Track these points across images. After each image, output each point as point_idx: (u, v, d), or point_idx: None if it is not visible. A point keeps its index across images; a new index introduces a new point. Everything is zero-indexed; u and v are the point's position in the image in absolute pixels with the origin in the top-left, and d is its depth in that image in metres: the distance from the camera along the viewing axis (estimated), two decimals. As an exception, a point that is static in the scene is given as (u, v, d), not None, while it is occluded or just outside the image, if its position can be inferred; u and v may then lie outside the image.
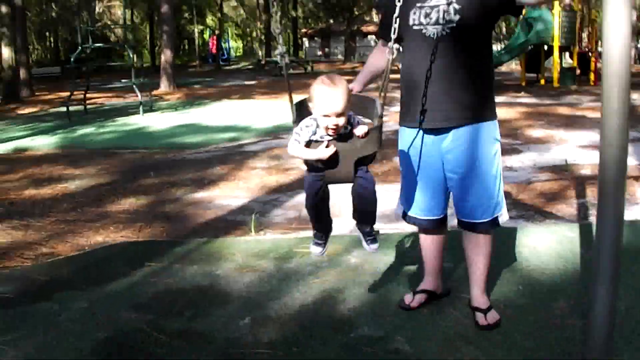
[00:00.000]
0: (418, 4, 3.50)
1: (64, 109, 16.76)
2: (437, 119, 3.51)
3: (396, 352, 3.40)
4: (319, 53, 60.06)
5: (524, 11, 22.97)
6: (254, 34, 63.21)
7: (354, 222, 3.59)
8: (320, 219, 3.56)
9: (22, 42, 25.41)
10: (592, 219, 5.75)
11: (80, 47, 17.38)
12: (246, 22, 69.85)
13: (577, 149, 9.52)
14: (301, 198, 7.01)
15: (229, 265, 4.83)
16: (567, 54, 26.03)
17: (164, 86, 26.06)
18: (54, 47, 55.40)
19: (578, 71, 24.10)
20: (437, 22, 3.44)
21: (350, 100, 3.18)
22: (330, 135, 3.17)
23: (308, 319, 3.86)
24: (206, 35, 62.02)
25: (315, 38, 63.18)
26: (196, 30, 55.43)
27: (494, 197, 3.64)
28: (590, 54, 24.65)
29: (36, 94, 25.65)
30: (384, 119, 3.39)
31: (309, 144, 3.21)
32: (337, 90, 3.13)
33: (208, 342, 3.60)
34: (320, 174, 3.27)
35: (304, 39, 65.13)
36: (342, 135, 3.21)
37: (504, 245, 4.88)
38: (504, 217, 3.71)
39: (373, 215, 3.52)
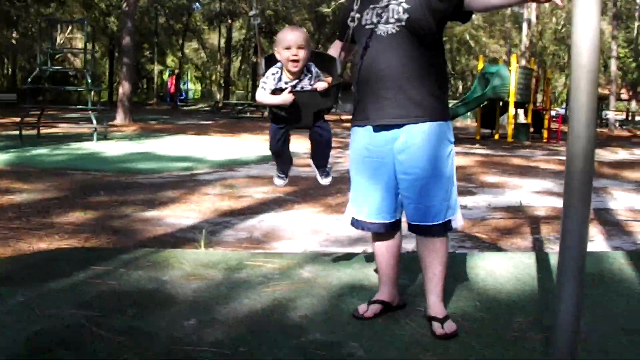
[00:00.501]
0: (371, 5, 3.60)
1: (16, 132, 16.41)
2: (390, 115, 3.51)
3: (350, 355, 3.24)
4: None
5: (480, 65, 23.50)
6: (213, 77, 63.24)
7: (311, 161, 4.03)
8: (283, 158, 4.02)
9: (-22, 65, 25.04)
10: (549, 251, 5.71)
11: (38, 68, 17.12)
12: (206, 65, 69.93)
13: (531, 193, 9.56)
14: (254, 221, 6.90)
15: (176, 273, 4.63)
16: (522, 111, 26.52)
17: (119, 118, 25.81)
18: (11, 74, 54.81)
19: (532, 129, 24.53)
20: (387, 21, 3.52)
21: (310, 44, 3.55)
22: (295, 76, 3.54)
23: (257, 323, 3.68)
24: (165, 76, 61.95)
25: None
26: (156, 69, 55.28)
27: (448, 198, 3.59)
28: (544, 112, 25.12)
29: (-11, 117, 25.20)
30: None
31: (274, 92, 3.54)
32: (297, 28, 3.63)
33: (151, 339, 3.40)
34: (283, 124, 3.69)
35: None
36: (304, 90, 3.57)
37: (459, 267, 4.79)
38: (458, 221, 3.66)
39: (327, 156, 4.01)
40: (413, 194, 3.56)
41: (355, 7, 3.52)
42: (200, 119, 32.38)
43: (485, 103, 23.27)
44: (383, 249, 3.84)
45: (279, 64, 3.61)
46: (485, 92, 22.07)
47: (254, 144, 16.89)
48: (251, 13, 3.81)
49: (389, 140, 3.55)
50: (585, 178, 2.65)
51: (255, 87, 57.16)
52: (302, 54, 3.47)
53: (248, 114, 37.48)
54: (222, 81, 55.15)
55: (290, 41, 3.46)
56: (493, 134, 24.29)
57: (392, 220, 3.73)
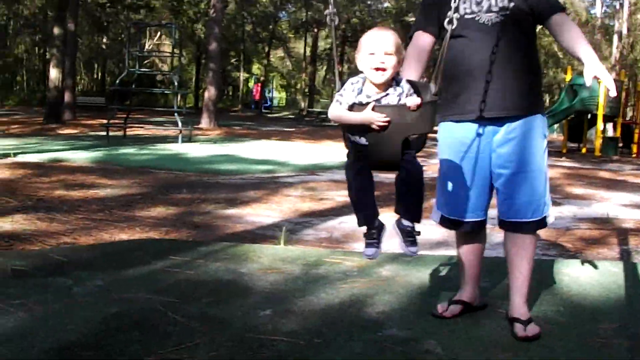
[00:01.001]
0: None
1: (103, 132, 16.86)
2: (494, 108, 3.38)
3: (427, 352, 3.15)
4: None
5: (568, 76, 22.88)
6: (298, 86, 63.59)
7: (395, 218, 3.20)
8: (363, 206, 3.14)
9: (71, 66, 25.81)
10: (637, 261, 5.50)
11: (126, 70, 17.50)
12: (291, 73, 70.40)
13: (619, 206, 9.22)
14: (334, 222, 6.84)
15: (254, 266, 4.62)
16: (611, 125, 25.83)
17: (204, 123, 26.15)
18: (100, 78, 56.23)
19: (621, 143, 23.84)
20: (489, 10, 3.40)
21: (402, 51, 2.97)
22: (381, 88, 2.95)
23: (333, 316, 3.63)
24: (251, 83, 62.64)
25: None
26: (241, 76, 55.93)
27: (544, 194, 3.49)
28: (634, 125, 24.39)
29: (78, 118, 25.90)
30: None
31: (352, 107, 2.94)
32: (386, 31, 3.01)
33: (225, 327, 3.38)
34: (362, 148, 2.99)
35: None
36: (391, 105, 2.94)
37: (543, 273, 4.62)
38: (551, 217, 3.55)
39: (418, 209, 3.14)
40: (509, 190, 3.46)
41: (454, 5, 3.03)
42: (284, 125, 32.55)
43: (572, 116, 22.73)
44: (468, 248, 3.73)
45: (362, 74, 3.02)
46: (573, 104, 21.56)
47: (337, 150, 16.83)
48: (327, 12, 3.03)
49: (489, 134, 3.45)
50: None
51: (339, 96, 57.67)
52: (390, 61, 2.90)
53: (332, 122, 37.50)
54: (306, 90, 55.42)
55: (375, 45, 2.92)
56: (580, 148, 23.70)
57: (484, 218, 3.63)
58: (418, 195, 3.12)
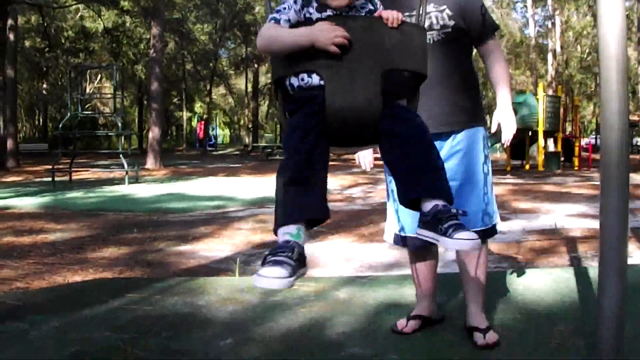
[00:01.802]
0: (407, 13, 3.44)
1: (49, 178, 16.66)
2: (438, 123, 3.44)
3: (389, 367, 3.19)
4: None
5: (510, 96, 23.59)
6: (242, 122, 63.61)
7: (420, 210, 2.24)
8: (299, 197, 2.11)
9: (12, 114, 25.52)
10: (587, 266, 5.62)
11: (69, 114, 17.36)
12: (234, 109, 70.44)
13: (565, 217, 9.42)
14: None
15: (212, 298, 4.60)
16: (552, 140, 26.37)
17: (150, 163, 26.00)
18: (42, 124, 55.61)
19: (562, 157, 24.37)
20: (431, 28, 3.47)
21: None
22: (340, 5, 2.11)
23: (294, 340, 3.64)
24: (194, 122, 62.52)
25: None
26: (184, 115, 55.79)
27: (490, 203, 3.59)
28: (574, 139, 24.96)
29: (22, 165, 25.55)
30: None
31: (297, 26, 2.12)
32: None
33: (187, 358, 3.37)
34: (316, 94, 2.06)
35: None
36: (360, 18, 2.15)
37: (497, 283, 4.71)
38: (498, 225, 3.62)
39: (434, 172, 2.13)
40: (459, 201, 3.48)
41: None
42: (230, 162, 32.49)
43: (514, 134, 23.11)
44: (422, 264, 3.79)
45: None
46: (514, 123, 21.95)
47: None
48: None
49: None
50: (622, 179, 2.63)
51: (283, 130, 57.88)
52: None
53: (277, 156, 37.59)
54: (250, 125, 55.52)
55: None
56: (523, 164, 24.16)
57: None
58: (426, 156, 2.15)
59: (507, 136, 3.43)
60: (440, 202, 2.08)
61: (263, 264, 2.04)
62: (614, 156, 2.61)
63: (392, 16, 2.10)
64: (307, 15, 2.10)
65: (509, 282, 4.83)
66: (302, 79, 2.12)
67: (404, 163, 2.11)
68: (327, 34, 1.95)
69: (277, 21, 2.11)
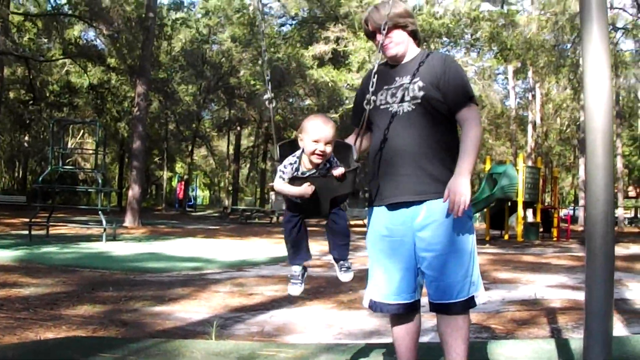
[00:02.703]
0: (385, 87, 3.66)
1: (25, 231, 16.50)
2: (410, 192, 3.50)
3: None
4: (284, 207, 60.69)
5: (487, 166, 23.71)
6: (222, 184, 63.66)
7: (330, 257, 3.80)
8: (299, 250, 3.74)
9: (-9, 165, 25.38)
10: (568, 338, 5.58)
11: (49, 167, 17.28)
12: (215, 171, 70.54)
13: (545, 287, 9.42)
14: (265, 316, 6.78)
15: (188, 361, 4.52)
16: (531, 210, 26.55)
17: (128, 221, 25.88)
18: (21, 177, 55.38)
19: (541, 228, 24.49)
20: (402, 100, 3.56)
21: (335, 138, 3.49)
22: (314, 166, 3.47)
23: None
24: (174, 182, 62.47)
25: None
26: (165, 175, 55.73)
27: (470, 274, 3.54)
28: (553, 210, 25.13)
29: (-2, 218, 25.34)
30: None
31: (292, 179, 3.48)
32: (329, 123, 3.47)
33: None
34: (298, 213, 3.62)
35: (271, 193, 65.82)
36: (321, 175, 3.49)
37: (477, 355, 4.65)
38: (481, 297, 3.60)
39: (346, 248, 3.76)
40: (435, 272, 3.50)
41: (371, 90, 3.48)
42: (209, 223, 32.39)
43: (493, 204, 23.26)
44: (403, 332, 3.74)
45: (297, 153, 3.58)
46: (494, 193, 22.09)
47: (264, 247, 16.82)
48: (265, 97, 3.64)
49: (409, 218, 3.52)
50: (607, 250, 2.62)
51: (263, 193, 57.59)
52: (328, 149, 3.42)
53: (257, 220, 37.53)
54: (230, 187, 55.52)
55: (320, 135, 3.40)
56: (503, 235, 24.23)
57: (412, 301, 3.66)
58: (344, 238, 3.73)
59: (455, 207, 3.35)
60: (343, 259, 3.76)
61: (289, 282, 3.79)
62: (599, 227, 2.62)
63: (339, 173, 3.43)
64: (295, 174, 3.49)
65: (490, 353, 4.79)
66: (295, 198, 3.53)
67: (335, 244, 3.74)
68: (306, 192, 3.41)
69: (283, 178, 3.49)
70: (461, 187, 3.35)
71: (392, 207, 3.57)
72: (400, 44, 3.62)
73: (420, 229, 3.50)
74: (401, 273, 3.59)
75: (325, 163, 3.52)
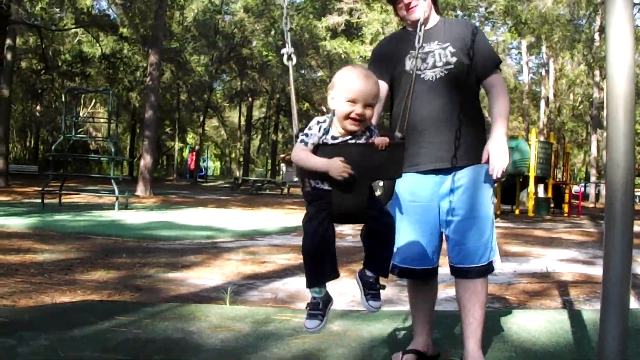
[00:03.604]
0: (412, 52, 3.53)
1: (38, 200, 16.57)
2: (439, 159, 3.47)
3: (384, 401, 3.14)
4: (296, 179, 60.70)
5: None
6: (233, 155, 63.71)
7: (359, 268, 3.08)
8: (321, 262, 2.81)
9: (4, 133, 25.52)
10: (580, 309, 5.59)
11: (62, 136, 17.29)
12: (226, 142, 70.52)
13: (556, 261, 9.40)
14: (278, 284, 6.78)
15: (203, 324, 4.54)
16: (542, 186, 26.41)
17: (140, 190, 25.92)
18: (33, 146, 55.53)
19: (552, 203, 24.39)
20: (434, 66, 3.53)
21: (378, 98, 2.82)
22: (350, 133, 2.73)
23: (287, 370, 3.59)
24: (185, 153, 62.53)
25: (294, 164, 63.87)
26: (176, 146, 55.78)
27: (490, 240, 3.58)
28: (564, 186, 25.01)
29: (11, 186, 25.43)
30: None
31: (317, 148, 2.72)
32: (370, 77, 2.77)
33: (179, 383, 3.32)
34: (325, 194, 2.73)
35: (282, 164, 65.80)
36: (358, 145, 2.75)
37: (491, 322, 4.66)
38: (498, 263, 3.63)
39: (386, 262, 2.94)
40: (458, 237, 3.52)
41: (416, 55, 3.21)
42: (220, 194, 32.43)
43: (504, 178, 23.14)
44: (421, 296, 3.77)
45: (329, 114, 2.84)
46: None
47: (275, 217, 16.83)
48: (284, 50, 2.90)
49: (437, 184, 3.54)
50: (627, 217, 2.62)
51: (274, 165, 57.56)
52: (368, 112, 2.73)
53: (268, 191, 37.55)
54: (241, 159, 55.55)
55: (357, 93, 2.71)
56: (513, 209, 24.15)
57: (435, 266, 3.68)
58: (388, 248, 2.93)
59: (497, 168, 3.38)
60: (374, 276, 2.95)
61: (306, 311, 2.98)
62: (619, 195, 2.60)
63: (382, 142, 2.75)
64: (324, 141, 2.75)
65: (504, 322, 4.79)
66: (317, 183, 2.79)
67: (375, 252, 2.93)
68: (337, 170, 2.64)
69: (305, 143, 2.74)
70: (501, 150, 3.40)
71: (420, 173, 3.56)
72: (425, 7, 3.58)
73: (447, 194, 3.52)
74: (427, 238, 3.61)
75: (365, 131, 2.82)
